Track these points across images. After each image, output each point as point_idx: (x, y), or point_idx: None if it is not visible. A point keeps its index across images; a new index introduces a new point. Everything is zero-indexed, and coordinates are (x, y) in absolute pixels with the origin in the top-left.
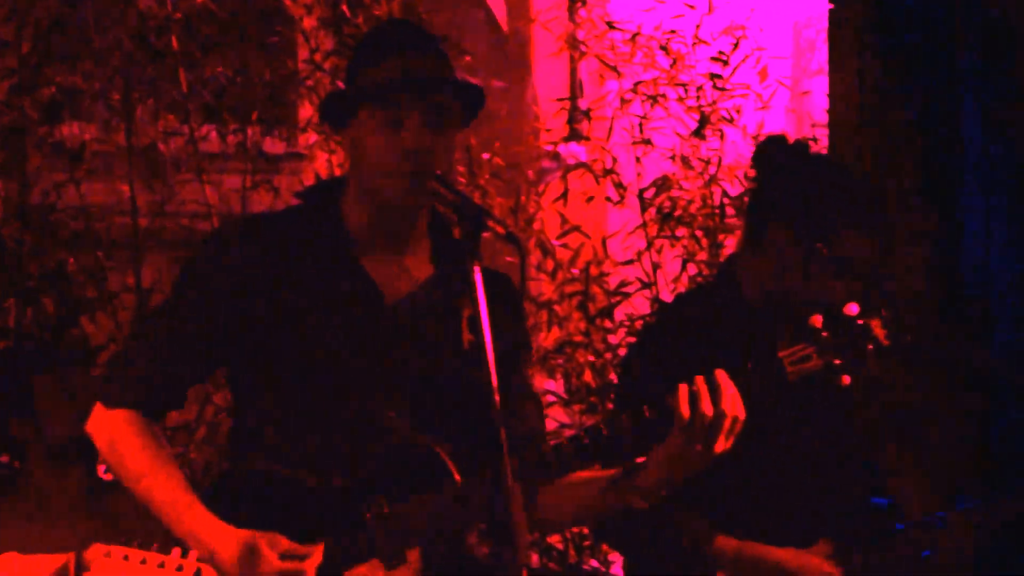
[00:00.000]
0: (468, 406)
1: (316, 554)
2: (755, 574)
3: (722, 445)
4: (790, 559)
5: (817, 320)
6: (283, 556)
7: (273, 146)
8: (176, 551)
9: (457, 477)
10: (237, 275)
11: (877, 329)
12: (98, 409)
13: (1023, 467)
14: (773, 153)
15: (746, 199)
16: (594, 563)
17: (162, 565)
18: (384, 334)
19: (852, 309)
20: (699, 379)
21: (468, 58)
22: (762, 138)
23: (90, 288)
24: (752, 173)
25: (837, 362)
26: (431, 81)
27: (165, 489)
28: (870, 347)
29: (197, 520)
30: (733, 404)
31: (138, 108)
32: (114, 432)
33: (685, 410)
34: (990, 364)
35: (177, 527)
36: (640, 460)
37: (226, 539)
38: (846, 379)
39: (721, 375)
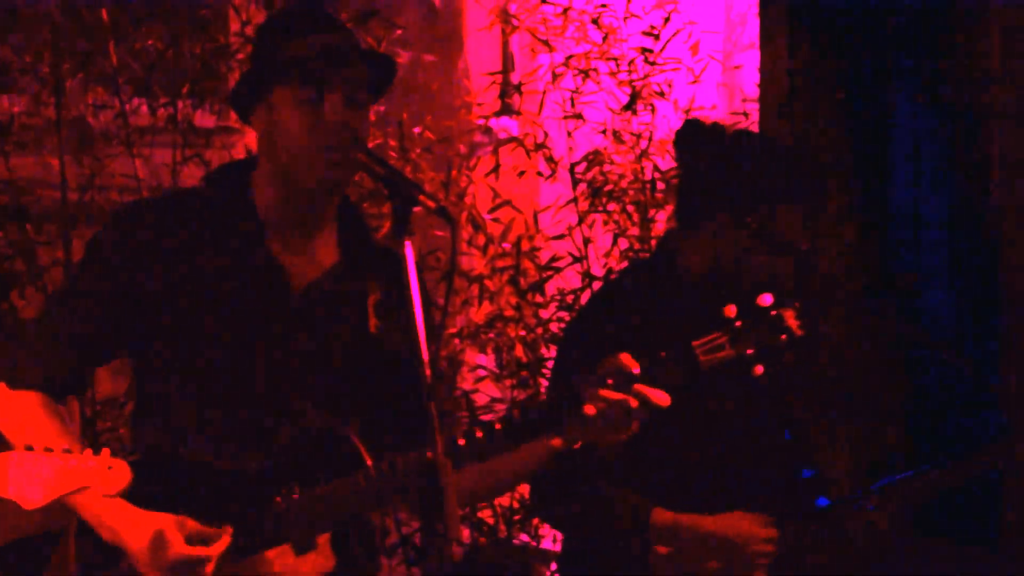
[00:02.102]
0: (376, 391)
1: (223, 539)
2: (693, 544)
3: (630, 430)
4: (727, 527)
5: (731, 310)
6: (190, 540)
7: (204, 119)
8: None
9: (368, 461)
10: (140, 257)
11: (790, 320)
12: (2, 390)
13: (947, 441)
14: (695, 135)
15: (675, 178)
16: (524, 537)
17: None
18: (291, 321)
19: (765, 300)
20: (607, 367)
21: (399, 32)
22: (694, 112)
23: (19, 262)
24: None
25: (750, 352)
26: (352, 53)
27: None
28: (783, 337)
29: (104, 503)
30: (639, 393)
31: (68, 81)
32: (19, 413)
33: (592, 404)
34: (917, 340)
35: (82, 509)
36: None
37: (134, 522)
38: (759, 369)
39: (627, 359)
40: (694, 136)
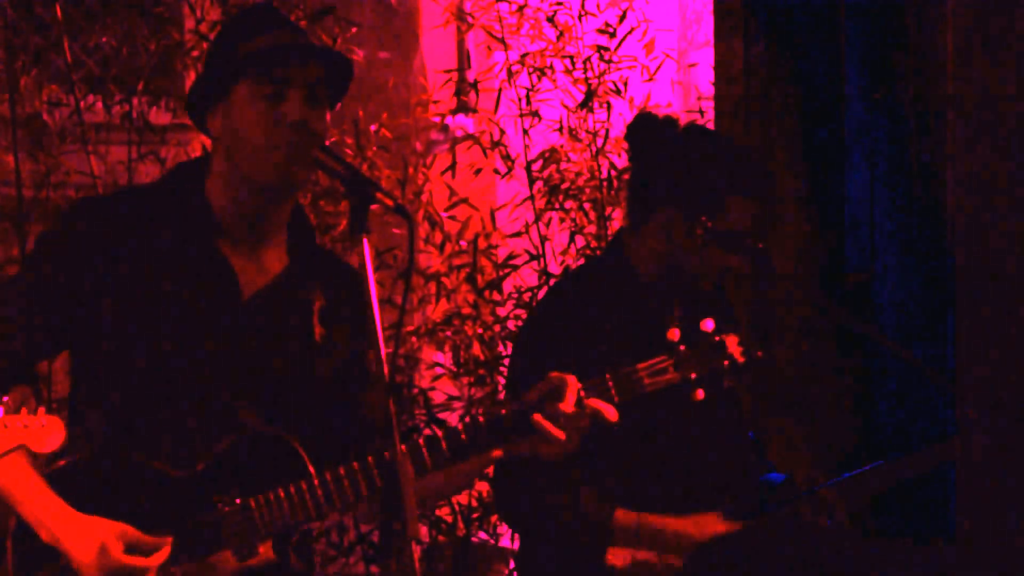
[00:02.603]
0: (318, 399)
1: (164, 549)
2: (654, 544)
3: (572, 444)
4: (689, 527)
5: (674, 334)
6: (130, 549)
7: (159, 117)
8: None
9: (311, 468)
10: (88, 253)
11: (732, 346)
12: None
13: (903, 439)
14: (645, 131)
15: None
16: (483, 535)
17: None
18: (238, 326)
19: (708, 325)
20: (544, 387)
21: (355, 30)
22: (649, 110)
23: None
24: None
25: (693, 376)
26: (310, 50)
27: (11, 470)
28: (725, 363)
29: (44, 503)
30: (576, 413)
31: (22, 78)
32: None
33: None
34: (872, 338)
35: (23, 509)
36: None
37: (73, 526)
38: (700, 393)
39: (570, 385)
40: (645, 129)
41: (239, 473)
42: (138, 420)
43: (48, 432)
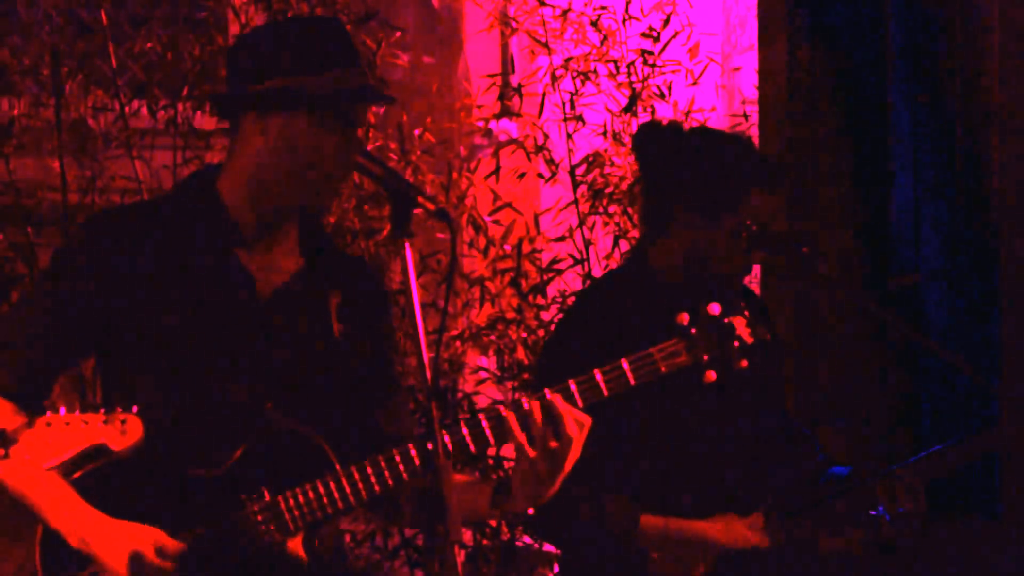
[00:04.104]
0: (340, 394)
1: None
2: (682, 548)
3: (573, 457)
4: (714, 530)
5: (684, 318)
6: (160, 553)
7: (203, 122)
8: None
9: (337, 466)
10: (108, 262)
11: (740, 328)
12: None
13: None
14: (652, 139)
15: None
16: (527, 539)
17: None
18: (258, 328)
19: (714, 309)
20: (533, 403)
21: (399, 34)
22: (694, 114)
23: (20, 264)
24: None
25: (705, 358)
26: (381, 95)
27: (41, 481)
28: (736, 344)
29: (74, 511)
30: (568, 423)
31: (67, 83)
32: None
33: (519, 435)
34: (918, 341)
35: (51, 517)
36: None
37: (102, 531)
38: (711, 375)
39: (555, 398)
40: (651, 137)
41: (265, 471)
42: (164, 424)
43: (127, 428)
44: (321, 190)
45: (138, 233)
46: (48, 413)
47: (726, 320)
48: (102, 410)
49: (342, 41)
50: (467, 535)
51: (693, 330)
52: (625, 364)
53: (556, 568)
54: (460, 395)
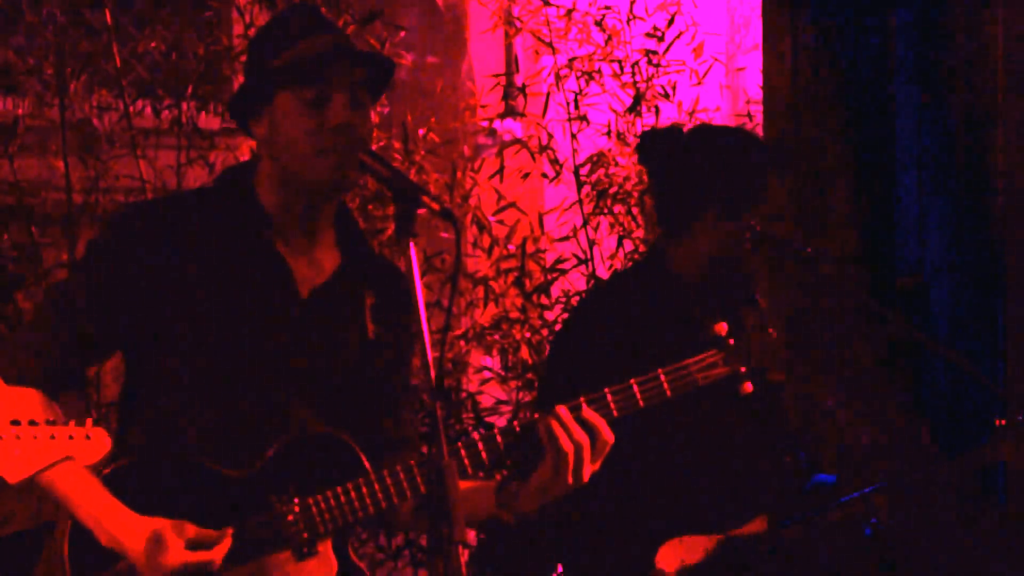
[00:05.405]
0: (372, 396)
1: (225, 541)
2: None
3: (589, 470)
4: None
5: (722, 328)
6: (190, 545)
7: (208, 121)
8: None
9: (368, 467)
10: (141, 257)
11: (775, 338)
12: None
13: (954, 440)
14: (658, 145)
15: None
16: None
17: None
18: (297, 326)
19: (754, 317)
20: (563, 410)
21: (403, 34)
22: (698, 114)
23: (24, 264)
24: None
25: (743, 369)
26: (353, 53)
27: (66, 472)
28: (773, 355)
29: (102, 506)
30: (595, 433)
31: (72, 83)
32: (17, 408)
33: (550, 445)
34: (922, 341)
35: (79, 511)
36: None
37: (132, 527)
38: (748, 387)
39: (586, 410)
40: (657, 143)
41: (295, 472)
42: (196, 421)
43: (93, 443)
44: (331, 163)
45: (173, 226)
46: (24, 424)
47: (770, 330)
48: (72, 422)
49: (309, 15)
50: (471, 535)
51: (731, 340)
52: (662, 375)
53: (560, 568)
54: (464, 395)
